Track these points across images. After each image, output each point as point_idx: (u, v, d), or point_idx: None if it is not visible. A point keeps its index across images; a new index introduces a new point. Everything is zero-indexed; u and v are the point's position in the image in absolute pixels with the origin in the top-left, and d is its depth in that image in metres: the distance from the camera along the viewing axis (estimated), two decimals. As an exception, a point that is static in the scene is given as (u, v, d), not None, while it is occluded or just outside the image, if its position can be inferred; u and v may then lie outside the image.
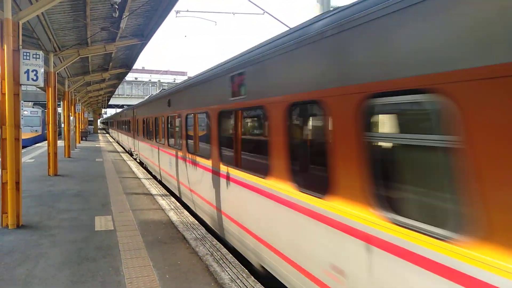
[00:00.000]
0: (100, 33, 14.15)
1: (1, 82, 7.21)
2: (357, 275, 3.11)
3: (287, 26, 12.86)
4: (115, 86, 37.45)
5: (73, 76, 22.93)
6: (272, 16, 13.65)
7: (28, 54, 7.49)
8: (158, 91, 20.20)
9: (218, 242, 6.38)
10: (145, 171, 15.68)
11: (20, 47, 7.45)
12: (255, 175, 4.95)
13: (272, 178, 4.52)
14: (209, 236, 6.74)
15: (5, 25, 7.16)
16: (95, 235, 6.75)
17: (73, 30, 13.66)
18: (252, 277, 4.97)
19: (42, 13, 10.55)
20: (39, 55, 7.60)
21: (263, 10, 13.97)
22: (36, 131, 34.69)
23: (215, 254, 5.81)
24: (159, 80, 66.73)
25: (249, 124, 5.93)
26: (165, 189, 11.68)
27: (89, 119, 69.58)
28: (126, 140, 26.69)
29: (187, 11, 16.40)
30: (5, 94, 7.14)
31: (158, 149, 12.64)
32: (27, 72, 7.49)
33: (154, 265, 5.37)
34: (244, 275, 5.03)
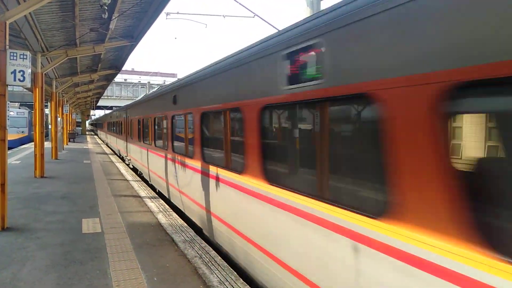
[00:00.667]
0: (89, 34, 14.03)
1: (-13, 82, 7.11)
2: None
3: (277, 29, 12.93)
4: (104, 88, 37.13)
5: (61, 77, 22.66)
6: (262, 19, 13.73)
7: (15, 54, 7.40)
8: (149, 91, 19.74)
9: (207, 245, 6.38)
10: (134, 174, 15.56)
11: (7, 47, 7.36)
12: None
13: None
14: (198, 238, 6.73)
15: (-9, 25, 7.07)
16: (83, 238, 6.68)
17: (61, 31, 13.52)
18: (241, 279, 4.98)
19: (30, 13, 10.42)
20: (26, 55, 7.51)
21: (254, 13, 14.03)
22: (22, 132, 34.17)
23: (204, 256, 5.81)
24: (148, 82, 66.26)
25: None
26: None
27: (77, 120, 68.86)
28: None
29: (178, 13, 16.34)
30: (-9, 94, 7.04)
31: None
32: (14, 72, 7.40)
33: (142, 268, 5.34)
34: (232, 277, 5.04)
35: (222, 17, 16.04)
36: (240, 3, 12.94)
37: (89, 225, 7.48)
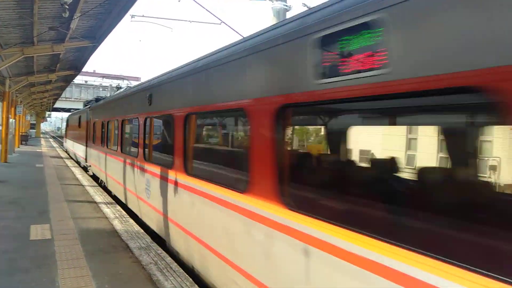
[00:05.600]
0: (48, 32, 13.47)
1: None
2: None
3: (242, 36, 13.07)
4: (62, 89, 35.67)
5: (16, 76, 21.53)
6: (229, 26, 13.82)
7: (-37, 49, 6.98)
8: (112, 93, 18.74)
9: (163, 251, 6.27)
10: (90, 178, 14.99)
11: (-45, 41, 6.94)
12: None
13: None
14: (154, 245, 6.59)
15: None
16: (30, 245, 6.34)
17: (18, 28, 12.91)
18: (197, 286, 4.93)
19: (-18, 7, 9.91)
20: (-24, 50, 7.11)
21: (220, 20, 14.10)
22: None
23: (160, 263, 5.70)
24: (110, 84, 64.24)
25: None
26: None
27: (32, 122, 65.42)
28: None
29: (143, 16, 16.12)
30: None
31: None
32: (-39, 68, 6.98)
33: (93, 275, 5.15)
34: (187, 283, 4.98)
35: (188, 22, 15.99)
36: (207, 10, 12.99)
37: (37, 232, 7.11)
